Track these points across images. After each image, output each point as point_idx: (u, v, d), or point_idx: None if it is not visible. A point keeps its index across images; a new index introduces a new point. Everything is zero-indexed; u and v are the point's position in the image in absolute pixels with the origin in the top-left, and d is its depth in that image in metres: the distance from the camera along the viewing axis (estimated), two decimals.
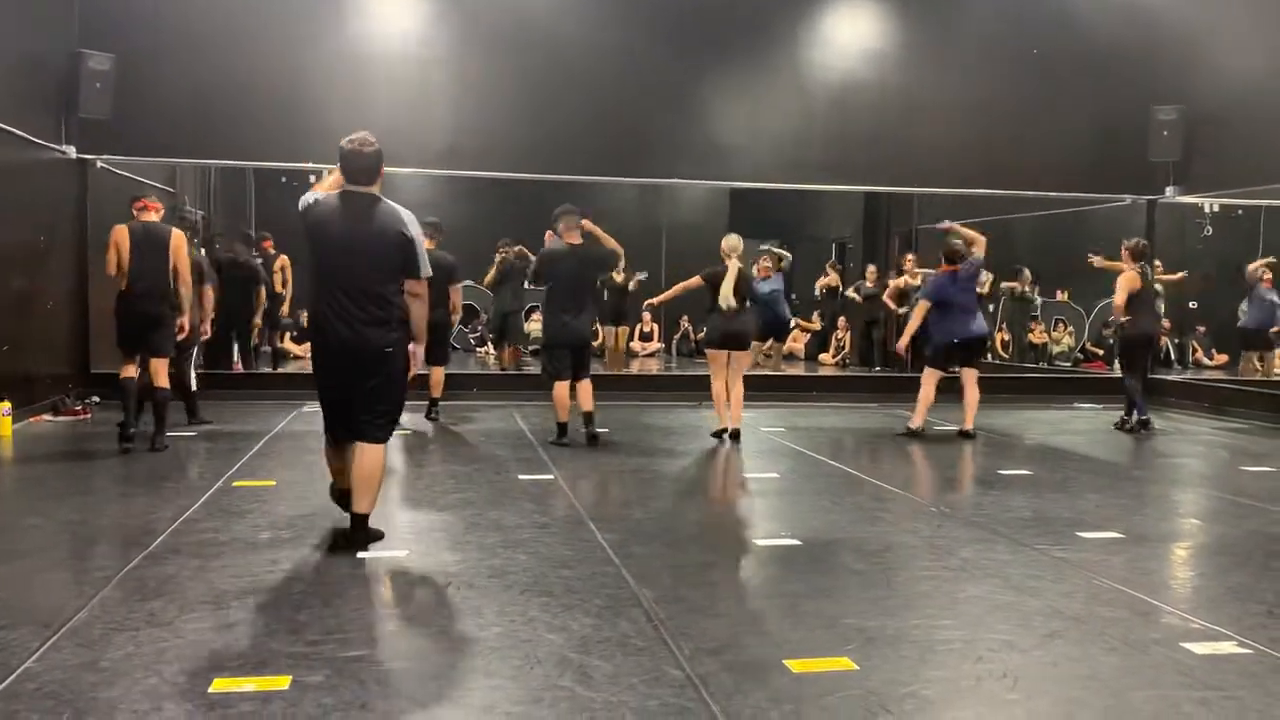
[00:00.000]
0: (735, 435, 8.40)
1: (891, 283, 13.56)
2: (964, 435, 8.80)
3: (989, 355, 14.34)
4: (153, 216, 7.36)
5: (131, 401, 7.31)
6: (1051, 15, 11.81)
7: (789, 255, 13.77)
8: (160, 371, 7.36)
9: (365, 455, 4.78)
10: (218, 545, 4.83)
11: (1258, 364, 12.43)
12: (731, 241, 8.36)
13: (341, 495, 5.05)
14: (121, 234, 7.25)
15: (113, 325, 7.39)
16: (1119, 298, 9.21)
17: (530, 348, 13.90)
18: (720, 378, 8.44)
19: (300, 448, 7.58)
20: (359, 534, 4.82)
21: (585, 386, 7.97)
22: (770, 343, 13.34)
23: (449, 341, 10.10)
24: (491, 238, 13.18)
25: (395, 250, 4.70)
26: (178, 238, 7.39)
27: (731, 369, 8.39)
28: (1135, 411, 9.44)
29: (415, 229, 4.76)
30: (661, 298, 9.27)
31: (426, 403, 9.22)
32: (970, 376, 8.93)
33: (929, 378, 8.94)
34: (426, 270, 4.80)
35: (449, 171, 11.79)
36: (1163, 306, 12.54)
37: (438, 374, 9.30)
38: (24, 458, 7.28)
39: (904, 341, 9.24)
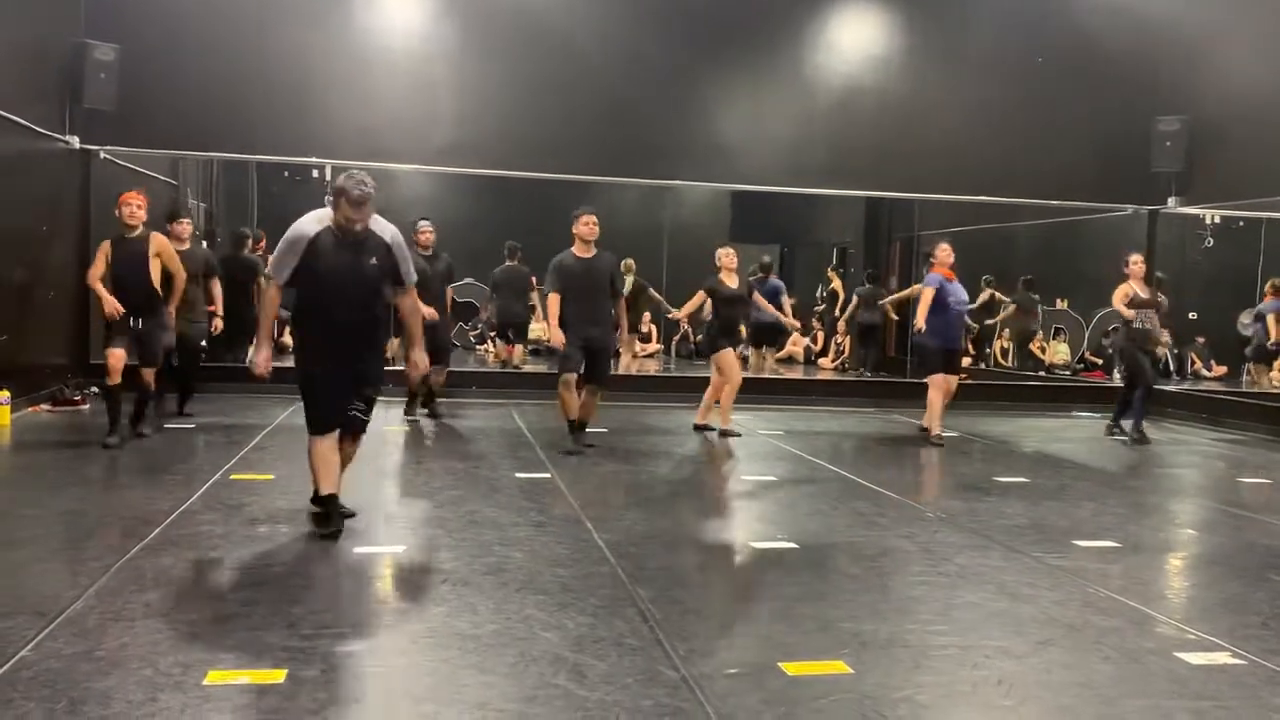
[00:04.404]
0: (723, 433, 8.74)
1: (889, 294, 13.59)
2: (930, 438, 8.83)
3: (990, 363, 14.41)
4: (137, 226, 7.19)
5: (117, 411, 7.26)
6: (1056, 24, 11.81)
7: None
8: (146, 375, 7.42)
9: (350, 445, 5.15)
10: (215, 538, 4.84)
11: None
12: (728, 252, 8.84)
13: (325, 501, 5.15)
14: (106, 249, 7.22)
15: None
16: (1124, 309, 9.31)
17: (530, 346, 13.90)
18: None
19: (299, 442, 7.44)
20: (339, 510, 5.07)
21: (591, 393, 7.82)
22: (763, 348, 13.38)
23: (449, 341, 9.92)
24: (492, 235, 13.16)
25: (384, 259, 5.03)
26: (159, 243, 7.29)
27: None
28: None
29: (400, 239, 5.17)
30: (680, 313, 9.87)
31: (421, 396, 9.13)
32: (951, 383, 8.94)
33: (932, 385, 8.95)
34: (413, 277, 5.22)
35: (451, 169, 11.78)
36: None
37: (438, 375, 9.15)
38: (22, 447, 7.29)
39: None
